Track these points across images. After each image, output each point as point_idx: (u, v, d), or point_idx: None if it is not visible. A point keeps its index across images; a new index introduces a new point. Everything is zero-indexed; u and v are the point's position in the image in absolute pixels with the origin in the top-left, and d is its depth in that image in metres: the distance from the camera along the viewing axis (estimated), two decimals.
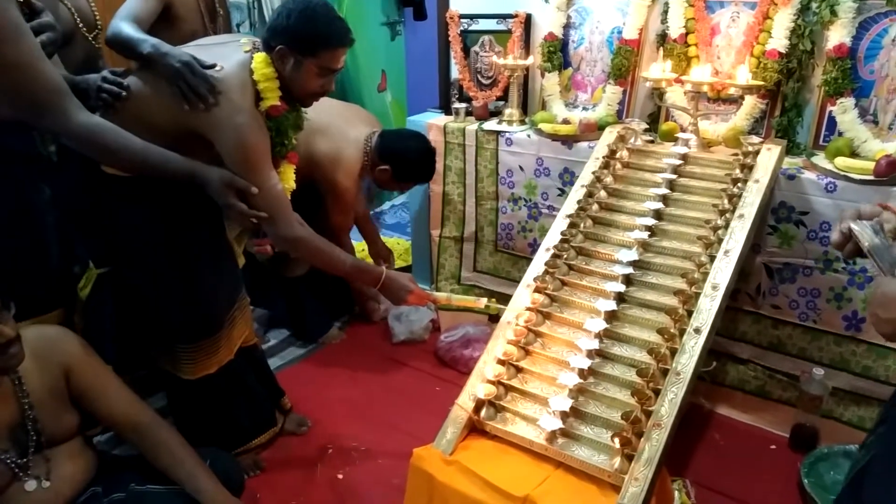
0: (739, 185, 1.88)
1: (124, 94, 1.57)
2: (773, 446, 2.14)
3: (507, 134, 2.54)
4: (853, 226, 1.08)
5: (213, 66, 1.60)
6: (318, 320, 2.79)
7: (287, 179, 1.80)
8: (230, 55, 1.65)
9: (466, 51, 2.75)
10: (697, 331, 1.60)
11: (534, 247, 2.55)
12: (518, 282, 1.97)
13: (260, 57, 1.64)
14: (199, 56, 1.62)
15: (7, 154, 1.51)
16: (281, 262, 2.57)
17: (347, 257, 1.90)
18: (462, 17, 2.70)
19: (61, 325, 1.64)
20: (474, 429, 1.68)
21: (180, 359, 1.84)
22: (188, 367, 1.84)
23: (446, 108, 2.83)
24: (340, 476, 2.04)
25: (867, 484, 1.12)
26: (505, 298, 2.60)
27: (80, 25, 1.83)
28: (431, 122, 2.73)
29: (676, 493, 1.84)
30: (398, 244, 3.17)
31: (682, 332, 1.62)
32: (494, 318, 2.70)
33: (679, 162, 2.02)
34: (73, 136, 1.43)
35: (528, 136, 2.51)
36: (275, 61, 1.64)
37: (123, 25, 1.67)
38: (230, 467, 1.70)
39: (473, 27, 2.73)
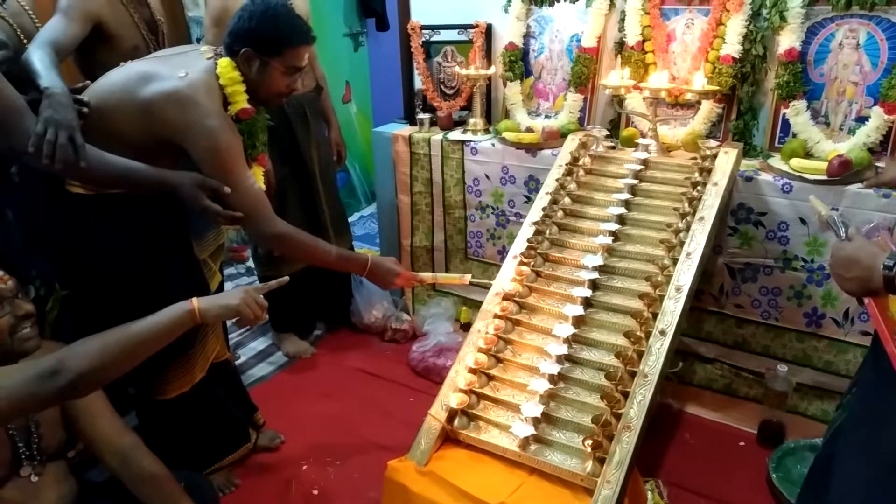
0: (699, 188, 1.92)
1: (86, 109, 1.54)
2: (742, 443, 2.19)
3: (472, 143, 2.56)
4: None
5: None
6: (309, 317, 2.81)
7: (257, 181, 1.80)
8: (193, 62, 1.65)
9: (429, 61, 2.77)
10: (663, 333, 1.63)
11: (503, 254, 2.57)
12: (488, 289, 1.98)
13: (224, 62, 1.65)
14: (159, 68, 1.61)
15: None
16: (268, 263, 2.60)
17: (332, 248, 1.91)
18: (423, 27, 2.72)
19: None
20: (448, 438, 1.68)
21: (152, 380, 1.81)
22: (162, 387, 1.82)
23: (411, 119, 2.84)
24: (315, 492, 2.03)
25: (843, 434, 1.28)
26: (476, 305, 2.64)
27: (25, 42, 1.79)
28: (397, 133, 2.74)
29: (649, 493, 1.87)
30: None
31: (647, 335, 1.64)
32: (466, 326, 2.73)
33: (640, 167, 2.06)
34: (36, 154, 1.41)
35: (493, 144, 2.53)
36: (240, 65, 1.65)
37: (34, 53, 1.61)
38: (204, 488, 1.69)
39: (435, 38, 2.75)
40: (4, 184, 1.61)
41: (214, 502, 1.72)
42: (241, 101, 1.67)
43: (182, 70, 1.61)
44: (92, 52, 1.90)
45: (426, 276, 2.10)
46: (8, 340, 1.33)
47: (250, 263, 3.47)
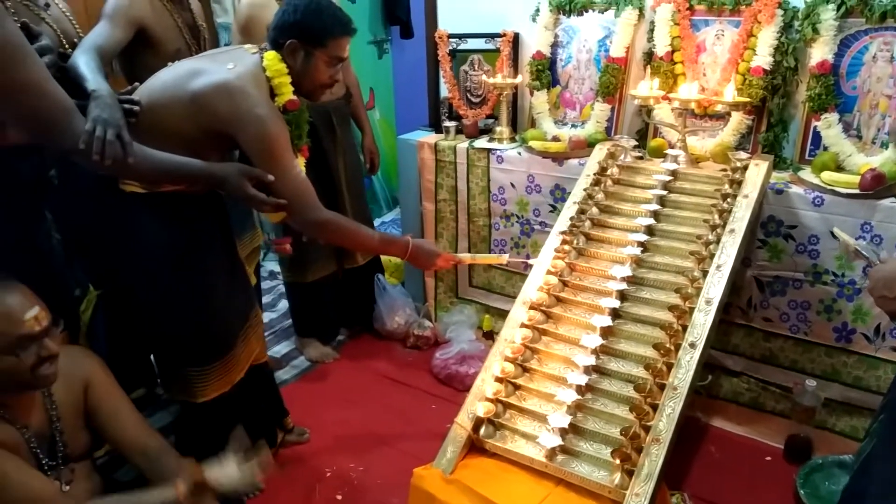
0: (729, 200, 1.91)
1: (137, 108, 1.58)
2: (769, 458, 2.16)
3: (497, 151, 2.57)
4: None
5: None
6: (333, 323, 2.84)
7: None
8: (240, 57, 1.70)
9: (455, 69, 2.78)
10: (693, 345, 1.62)
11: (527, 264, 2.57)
12: (512, 297, 1.99)
13: (271, 54, 1.69)
14: (207, 64, 1.67)
15: (14, 183, 1.51)
16: (294, 268, 2.62)
17: (374, 232, 1.95)
18: (451, 36, 2.73)
19: None
20: (474, 447, 1.68)
21: (192, 382, 1.83)
22: (201, 389, 1.84)
23: (436, 127, 2.86)
24: (339, 497, 2.03)
25: (874, 465, 1.22)
26: (501, 314, 2.65)
27: (67, 48, 1.83)
28: (422, 141, 2.76)
29: None
30: (389, 262, 3.18)
31: (677, 347, 1.64)
32: (489, 335, 2.73)
33: (669, 178, 2.05)
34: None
35: (519, 153, 2.53)
36: (285, 57, 1.70)
37: (80, 58, 1.65)
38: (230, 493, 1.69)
39: (462, 46, 2.76)
40: (44, 187, 1.63)
41: (240, 502, 1.73)
42: (288, 93, 1.71)
43: (230, 63, 1.66)
44: (136, 56, 1.94)
45: (465, 256, 2.13)
46: (28, 376, 1.36)
47: (273, 267, 3.49)
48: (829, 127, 2.06)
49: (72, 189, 1.67)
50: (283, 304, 3.16)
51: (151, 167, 1.53)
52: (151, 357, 2.38)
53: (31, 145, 1.51)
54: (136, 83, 1.70)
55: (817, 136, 2.11)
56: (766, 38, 2.11)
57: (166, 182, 1.65)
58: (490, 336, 2.72)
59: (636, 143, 2.28)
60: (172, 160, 1.57)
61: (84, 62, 1.60)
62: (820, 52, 2.04)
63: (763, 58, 2.12)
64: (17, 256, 1.53)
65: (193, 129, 1.63)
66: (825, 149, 2.09)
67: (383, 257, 3.04)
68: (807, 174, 2.07)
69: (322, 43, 1.70)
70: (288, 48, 1.69)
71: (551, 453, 1.57)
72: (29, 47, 1.31)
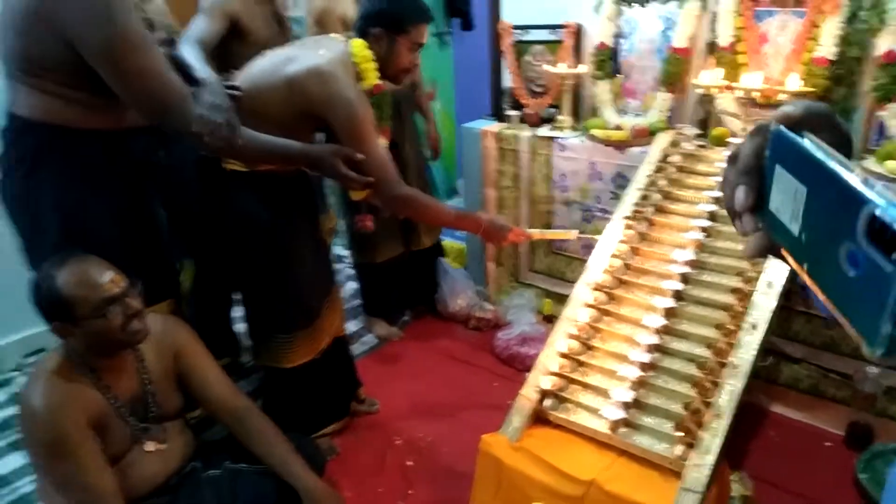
0: None
1: (238, 93, 1.72)
2: (829, 443, 2.19)
3: (560, 139, 2.64)
4: None
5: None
6: (399, 304, 2.97)
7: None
8: (329, 44, 1.85)
9: (518, 60, 2.86)
10: (754, 326, 1.68)
11: (588, 248, 2.64)
12: (572, 282, 2.06)
13: (357, 42, 1.84)
14: (299, 51, 1.82)
15: (127, 162, 1.68)
16: (364, 249, 2.76)
17: (451, 208, 2.11)
18: (514, 28, 2.82)
19: (173, 314, 1.82)
20: (538, 419, 1.78)
21: (280, 348, 1.99)
22: (287, 355, 2.00)
23: (499, 116, 2.95)
24: (410, 463, 2.16)
25: None
26: (560, 298, 2.73)
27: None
28: (486, 129, 2.85)
29: (734, 484, 1.91)
30: (452, 247, 3.29)
31: (738, 329, 1.70)
32: (549, 318, 2.81)
33: None
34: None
35: (581, 141, 2.61)
36: (371, 44, 1.84)
37: (185, 48, 1.83)
38: (313, 452, 1.83)
39: (525, 38, 2.84)
40: (153, 167, 1.80)
41: (321, 465, 1.85)
42: (373, 77, 1.86)
43: (321, 49, 1.81)
44: (228, 46, 2.11)
45: (535, 232, 2.23)
46: (120, 334, 1.47)
47: (340, 251, 3.65)
48: (894, 117, 2.07)
49: (177, 168, 1.84)
50: (350, 286, 3.31)
51: (255, 148, 1.68)
52: (235, 328, 2.56)
53: (142, 127, 1.67)
54: (233, 70, 1.85)
55: (882, 126, 2.12)
56: (831, 29, 2.13)
57: (267, 162, 1.80)
58: (550, 320, 2.80)
59: (699, 132, 2.33)
60: (274, 141, 1.72)
61: (190, 52, 1.77)
62: (886, 42, 2.05)
63: (827, 48, 2.13)
64: (130, 230, 1.69)
65: (289, 112, 1.78)
66: (889, 139, 2.09)
67: (446, 243, 3.15)
68: (871, 163, 2.08)
69: (404, 29, 1.84)
70: (373, 36, 1.83)
71: (614, 425, 1.65)
72: (151, 37, 1.47)
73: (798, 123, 0.50)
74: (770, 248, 0.52)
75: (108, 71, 1.43)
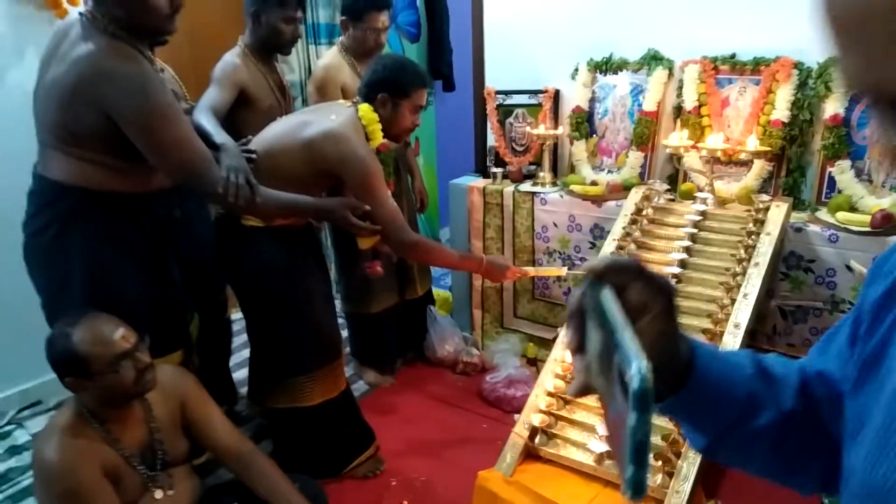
0: (753, 237, 2.14)
1: (254, 156, 1.90)
2: None
3: (541, 194, 2.84)
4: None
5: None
6: (392, 352, 3.07)
7: None
8: (339, 110, 2.03)
9: (501, 121, 3.08)
10: None
11: (568, 294, 2.81)
12: (555, 326, 2.22)
13: (364, 106, 2.04)
14: (312, 116, 2.00)
15: (153, 219, 1.81)
16: (359, 299, 2.88)
17: (453, 251, 2.28)
18: (498, 92, 3.04)
19: (181, 365, 1.92)
20: (529, 455, 1.90)
21: (303, 388, 2.11)
22: (309, 394, 2.12)
23: (483, 172, 3.15)
24: (406, 503, 2.25)
25: None
26: (544, 342, 2.88)
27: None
28: (472, 185, 3.04)
29: None
30: (438, 295, 3.43)
31: None
32: (532, 361, 2.96)
33: (699, 218, 2.30)
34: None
35: (561, 196, 2.80)
36: (377, 108, 2.03)
37: (201, 116, 2.00)
38: (317, 492, 1.92)
39: (507, 101, 3.07)
40: (170, 224, 1.93)
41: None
42: (379, 137, 2.05)
43: (332, 115, 1.99)
44: (236, 112, 2.28)
45: (529, 269, 2.42)
46: (132, 387, 1.55)
47: None
48: (843, 172, 2.29)
49: (189, 223, 1.99)
50: None
51: (272, 204, 1.84)
52: (234, 376, 2.66)
53: (164, 189, 1.82)
54: (250, 136, 2.02)
55: (832, 181, 2.33)
56: (784, 95, 2.37)
57: (282, 216, 1.96)
58: (534, 363, 2.94)
59: (668, 187, 2.54)
60: (289, 197, 1.88)
61: (206, 119, 1.95)
62: (832, 107, 2.29)
63: (781, 112, 2.37)
64: (150, 286, 1.81)
65: (306, 170, 1.95)
66: (839, 192, 2.31)
67: (434, 291, 3.30)
68: (823, 214, 2.29)
69: (407, 94, 2.04)
70: (379, 100, 2.02)
71: (600, 458, 1.78)
72: (180, 108, 1.63)
73: (600, 276, 0.55)
74: (588, 388, 0.55)
75: (144, 141, 1.57)
